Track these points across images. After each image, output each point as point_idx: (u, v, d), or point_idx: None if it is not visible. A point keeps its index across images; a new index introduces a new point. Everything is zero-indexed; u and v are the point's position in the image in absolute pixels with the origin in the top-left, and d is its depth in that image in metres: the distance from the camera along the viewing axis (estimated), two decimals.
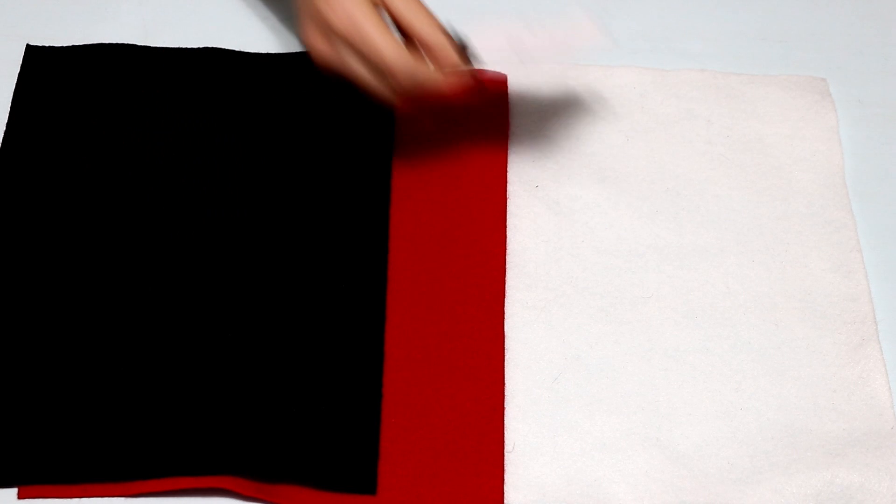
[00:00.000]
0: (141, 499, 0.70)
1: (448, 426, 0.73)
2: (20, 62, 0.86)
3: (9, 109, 0.84)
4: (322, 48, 0.75)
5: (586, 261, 0.81)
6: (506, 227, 0.81)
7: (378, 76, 0.74)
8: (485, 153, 0.84)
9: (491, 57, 0.76)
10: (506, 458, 0.72)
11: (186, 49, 0.88)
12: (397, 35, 0.74)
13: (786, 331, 0.78)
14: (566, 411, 0.74)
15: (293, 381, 0.74)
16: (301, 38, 0.75)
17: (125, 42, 0.88)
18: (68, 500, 0.70)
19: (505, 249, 0.80)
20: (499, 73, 0.88)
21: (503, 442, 0.73)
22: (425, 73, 0.73)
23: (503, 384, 0.75)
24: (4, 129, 0.83)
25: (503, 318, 0.77)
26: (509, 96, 0.87)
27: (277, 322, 0.76)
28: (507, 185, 0.83)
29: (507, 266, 0.80)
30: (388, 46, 0.72)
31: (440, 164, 0.83)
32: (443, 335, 0.76)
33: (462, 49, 0.74)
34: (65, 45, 0.87)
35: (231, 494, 0.70)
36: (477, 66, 0.75)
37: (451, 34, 0.75)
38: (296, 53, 0.88)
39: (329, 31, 0.73)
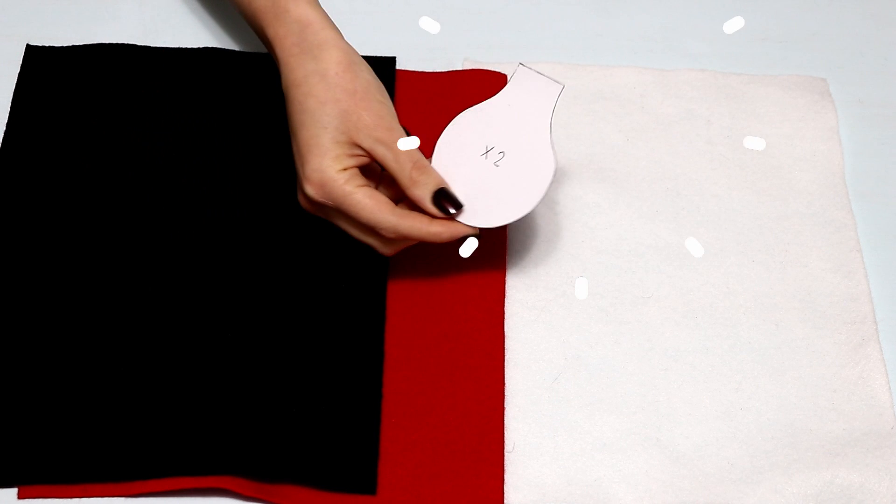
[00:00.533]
0: (141, 499, 0.70)
1: (448, 426, 0.73)
2: (20, 62, 0.86)
3: (9, 109, 0.84)
4: (311, 209, 0.75)
5: (586, 261, 0.81)
6: (506, 228, 0.81)
7: (365, 231, 0.74)
8: None
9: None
10: (506, 458, 0.72)
11: (186, 49, 0.88)
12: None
13: (786, 331, 0.78)
14: (566, 411, 0.74)
15: (293, 381, 0.74)
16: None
17: (125, 42, 0.88)
18: (68, 500, 0.70)
19: (505, 250, 0.80)
20: (499, 73, 0.88)
21: (503, 442, 0.73)
22: (408, 226, 0.72)
23: (503, 384, 0.75)
24: (4, 129, 0.83)
25: (503, 318, 0.77)
26: None
27: (277, 322, 0.76)
28: None
29: (507, 266, 0.80)
30: (368, 214, 0.72)
31: None
32: (443, 335, 0.76)
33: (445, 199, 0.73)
34: (65, 45, 0.87)
35: (231, 494, 0.70)
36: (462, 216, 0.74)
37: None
38: None
39: (311, 200, 0.74)
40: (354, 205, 0.72)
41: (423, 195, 0.73)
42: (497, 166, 0.74)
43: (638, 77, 0.89)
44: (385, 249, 0.74)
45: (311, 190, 0.72)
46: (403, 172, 0.72)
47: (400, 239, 0.73)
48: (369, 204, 0.72)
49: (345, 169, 0.72)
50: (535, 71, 0.75)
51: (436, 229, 0.73)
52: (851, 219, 0.83)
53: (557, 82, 0.75)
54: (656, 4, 0.95)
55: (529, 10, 0.94)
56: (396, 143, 0.72)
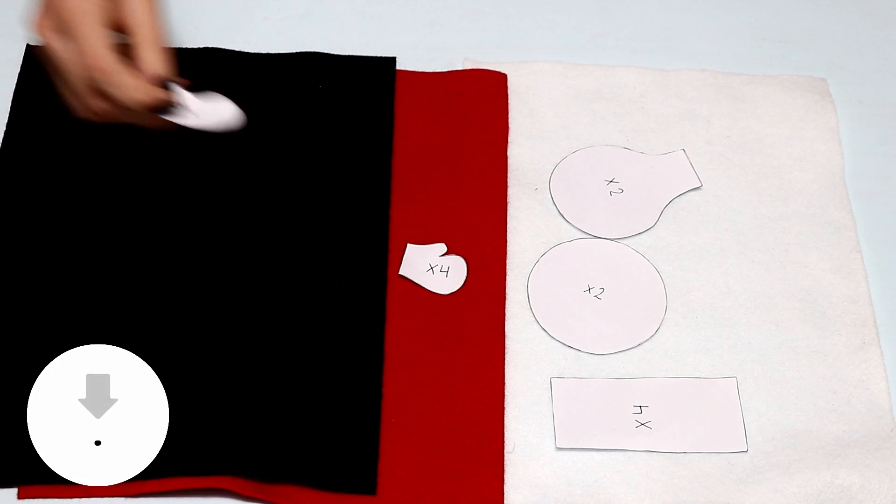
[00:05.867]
0: (141, 499, 0.70)
1: (448, 426, 0.73)
2: (20, 62, 0.86)
3: (9, 109, 0.84)
4: (44, 34, 0.73)
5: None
6: (506, 228, 0.81)
7: (79, 69, 0.72)
8: (484, 154, 0.84)
9: None
10: (506, 458, 0.72)
11: (187, 49, 0.88)
12: None
13: (786, 331, 0.78)
14: None
15: (294, 381, 0.74)
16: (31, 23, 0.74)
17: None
18: (68, 500, 0.70)
19: (505, 252, 0.80)
20: (499, 73, 0.88)
21: (503, 442, 0.73)
22: (123, 78, 0.71)
23: (503, 384, 0.75)
24: (4, 129, 0.83)
25: (503, 318, 0.77)
26: (509, 97, 0.87)
27: (278, 323, 0.76)
28: (507, 187, 0.83)
29: (508, 267, 0.80)
30: (94, 42, 0.70)
31: (440, 165, 0.83)
32: (443, 335, 0.76)
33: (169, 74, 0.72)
34: None
35: (231, 494, 0.70)
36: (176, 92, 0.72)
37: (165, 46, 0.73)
38: (297, 53, 0.88)
39: (55, 13, 0.72)
40: (84, 25, 0.70)
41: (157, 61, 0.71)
42: (611, 195, 0.81)
43: (638, 77, 0.89)
44: (80, 101, 0.73)
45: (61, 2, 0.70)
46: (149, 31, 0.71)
47: (95, 73, 0.71)
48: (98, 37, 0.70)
49: None
50: (689, 161, 0.84)
51: (136, 82, 0.71)
52: (851, 219, 0.83)
53: (700, 181, 0.83)
54: (656, 4, 0.95)
55: (529, 10, 0.94)
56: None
